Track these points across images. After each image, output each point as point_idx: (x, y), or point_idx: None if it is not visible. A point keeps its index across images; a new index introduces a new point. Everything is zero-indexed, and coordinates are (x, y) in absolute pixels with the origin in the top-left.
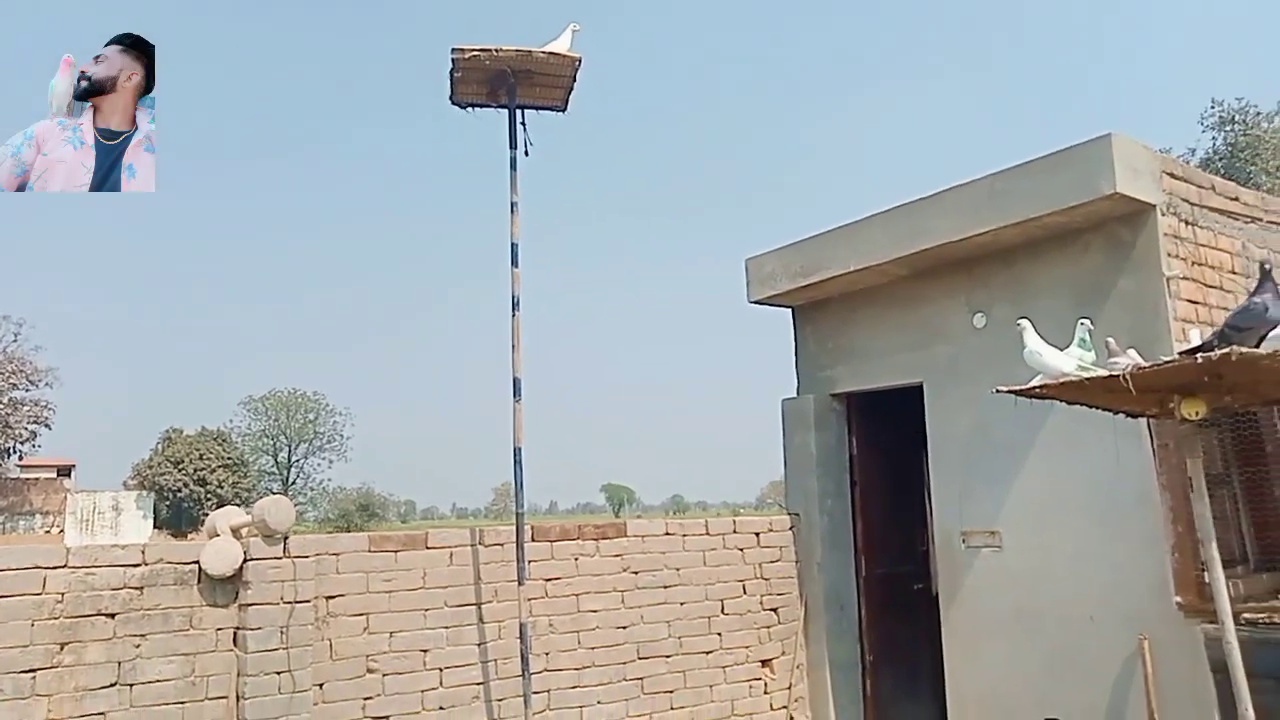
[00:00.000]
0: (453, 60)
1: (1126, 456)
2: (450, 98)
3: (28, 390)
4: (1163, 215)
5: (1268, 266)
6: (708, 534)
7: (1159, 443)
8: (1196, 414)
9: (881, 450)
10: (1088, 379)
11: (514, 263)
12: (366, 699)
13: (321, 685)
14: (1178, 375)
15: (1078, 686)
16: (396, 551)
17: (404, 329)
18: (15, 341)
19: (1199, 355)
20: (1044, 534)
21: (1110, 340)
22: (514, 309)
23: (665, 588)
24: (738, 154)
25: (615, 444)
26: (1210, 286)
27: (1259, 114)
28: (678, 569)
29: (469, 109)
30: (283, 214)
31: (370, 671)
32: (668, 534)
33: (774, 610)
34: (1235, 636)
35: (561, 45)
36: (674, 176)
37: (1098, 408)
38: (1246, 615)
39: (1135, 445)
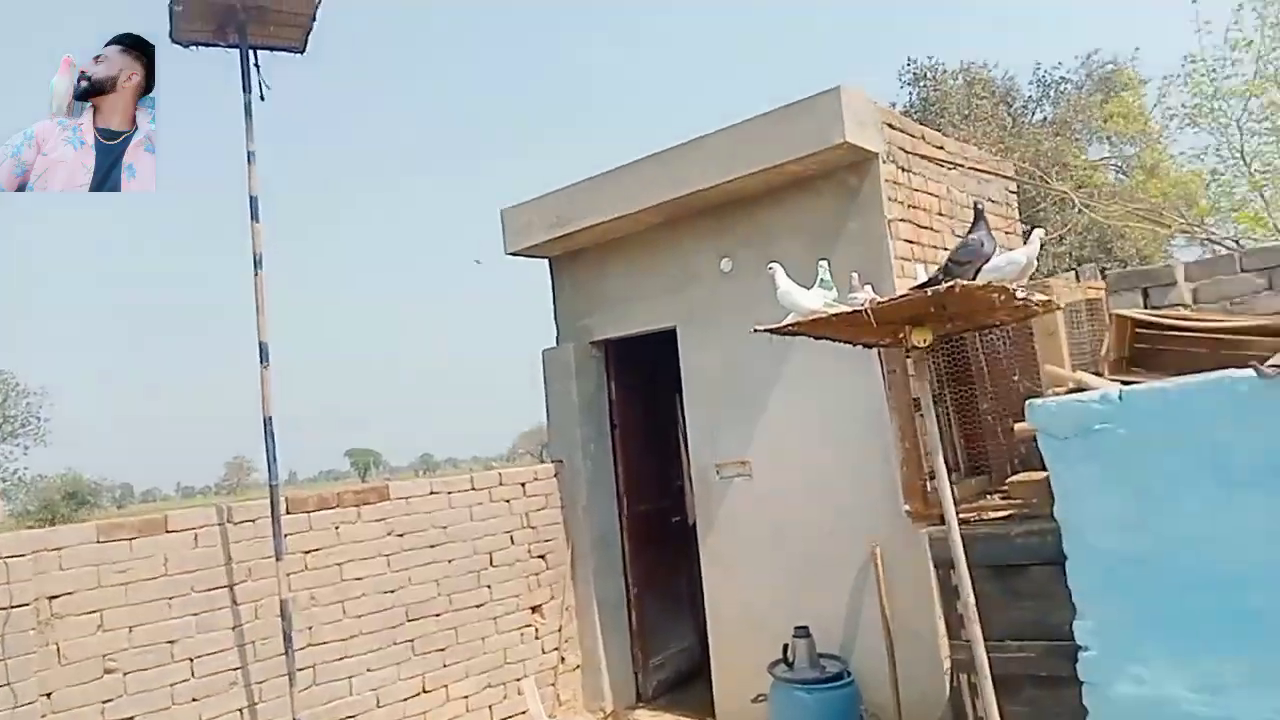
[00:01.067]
0: None
1: (859, 384)
2: (170, 35)
3: None
4: (884, 163)
5: (980, 207)
6: (473, 489)
7: (888, 369)
8: (924, 341)
9: (640, 394)
10: (834, 314)
11: (254, 217)
12: (105, 702)
13: (50, 695)
14: (911, 308)
15: (822, 595)
16: (131, 539)
17: (119, 300)
18: None
19: (930, 289)
20: (790, 460)
21: (855, 275)
22: (256, 268)
23: (432, 547)
24: (499, 103)
25: (358, 409)
26: (922, 227)
27: (945, 71)
28: (444, 527)
29: (192, 48)
30: None
31: (109, 672)
32: (432, 493)
33: (542, 557)
34: (959, 535)
35: None
36: (431, 129)
37: (839, 341)
38: (961, 516)
39: (866, 374)
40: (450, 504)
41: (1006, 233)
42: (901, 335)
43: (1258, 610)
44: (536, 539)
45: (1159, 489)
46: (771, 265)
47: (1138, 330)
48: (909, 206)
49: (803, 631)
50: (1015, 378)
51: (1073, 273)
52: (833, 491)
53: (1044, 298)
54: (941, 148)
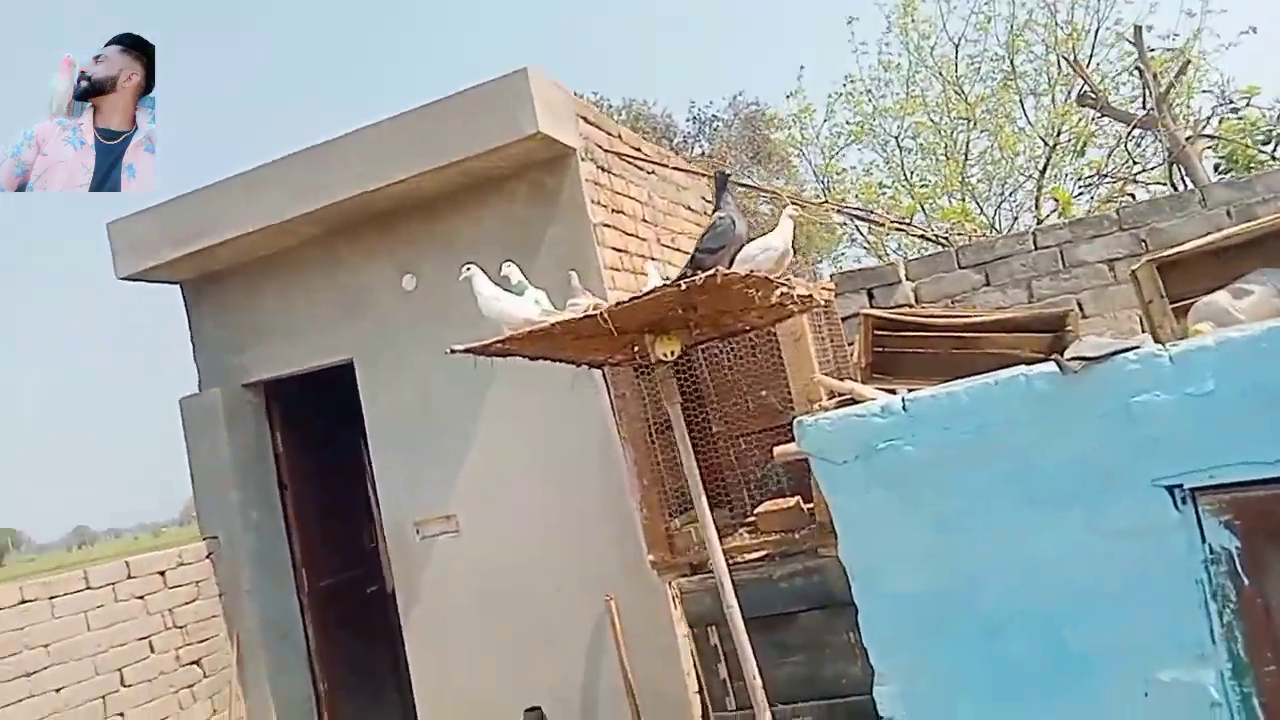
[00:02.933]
0: None
1: (583, 413)
2: None
3: None
4: (582, 160)
5: (726, 174)
6: (89, 587)
7: (616, 393)
8: (671, 354)
9: (314, 443)
10: (558, 324)
11: None
12: None
13: None
14: (657, 309)
15: (554, 663)
16: None
17: None
18: None
19: (683, 282)
20: (504, 509)
21: (573, 274)
22: None
23: (29, 676)
24: None
25: None
26: (628, 234)
27: (610, 107)
28: (47, 645)
29: None
30: None
31: None
32: (24, 602)
33: (196, 663)
34: (728, 583)
35: None
36: None
37: (561, 361)
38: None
39: (590, 399)
40: (54, 612)
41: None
42: (639, 348)
43: (1081, 649)
44: (187, 641)
45: (959, 514)
46: (468, 267)
47: (876, 332)
48: (613, 211)
49: (535, 714)
50: (763, 393)
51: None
52: (559, 542)
53: (805, 292)
54: (639, 149)
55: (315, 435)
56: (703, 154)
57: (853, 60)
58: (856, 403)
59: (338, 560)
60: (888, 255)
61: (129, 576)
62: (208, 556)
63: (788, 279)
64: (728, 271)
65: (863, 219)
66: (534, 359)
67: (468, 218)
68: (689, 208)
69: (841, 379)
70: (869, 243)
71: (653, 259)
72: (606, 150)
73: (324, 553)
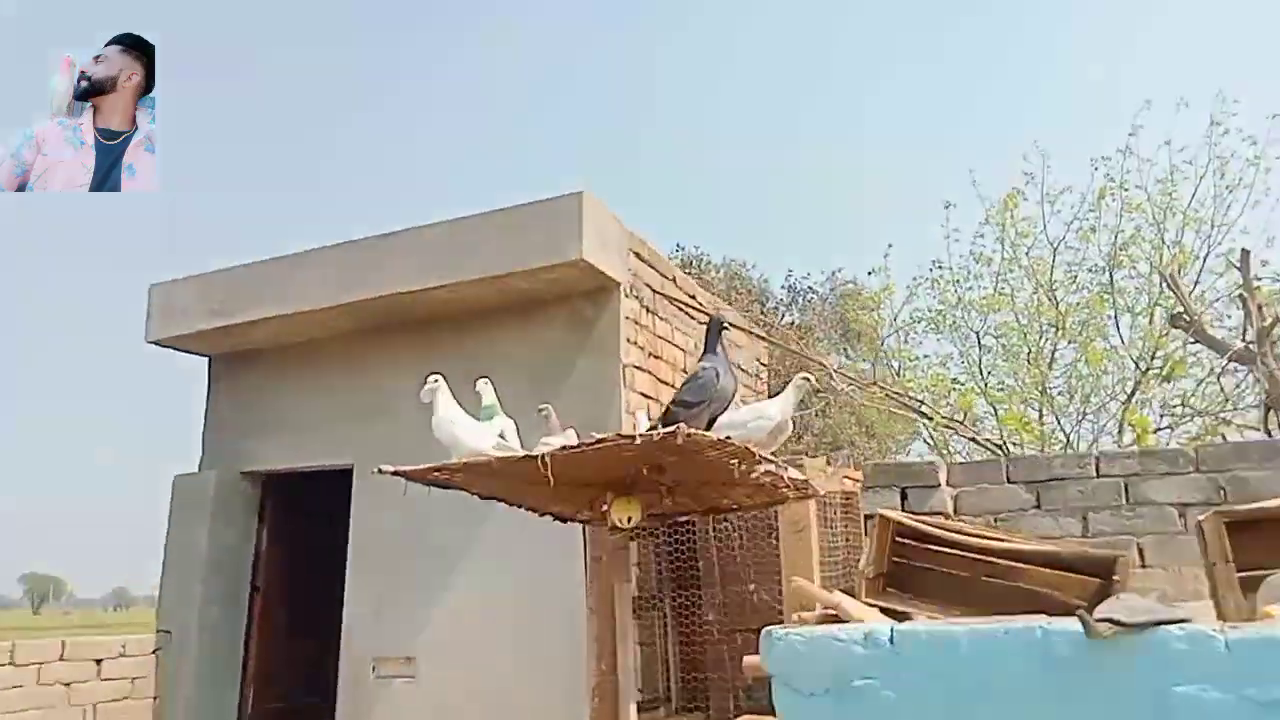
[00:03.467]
0: None
1: (555, 570)
2: None
3: None
4: (626, 296)
5: (723, 322)
6: (13, 663)
7: (592, 555)
8: (628, 520)
9: (303, 549)
10: (500, 460)
11: None
12: None
13: None
14: (611, 463)
15: None
16: None
17: None
18: None
19: (637, 436)
20: (464, 660)
21: (548, 409)
22: None
23: None
24: None
25: (40, 520)
26: (663, 382)
27: (709, 263)
28: None
29: None
30: None
31: None
32: None
33: None
34: None
35: None
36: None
37: (516, 505)
38: None
39: (569, 557)
40: None
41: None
42: (604, 508)
43: None
44: None
45: None
46: (434, 377)
47: (898, 540)
48: (650, 355)
49: None
50: (751, 586)
51: (825, 458)
52: (519, 710)
53: (800, 477)
54: (694, 296)
55: (303, 540)
56: (792, 323)
57: (943, 246)
58: (841, 621)
59: (296, 682)
60: (950, 456)
61: (60, 658)
62: (154, 651)
63: (783, 456)
64: (692, 432)
65: (905, 405)
66: (485, 498)
67: (500, 336)
68: (740, 367)
69: (849, 587)
70: (932, 439)
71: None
72: (656, 291)
73: (282, 670)
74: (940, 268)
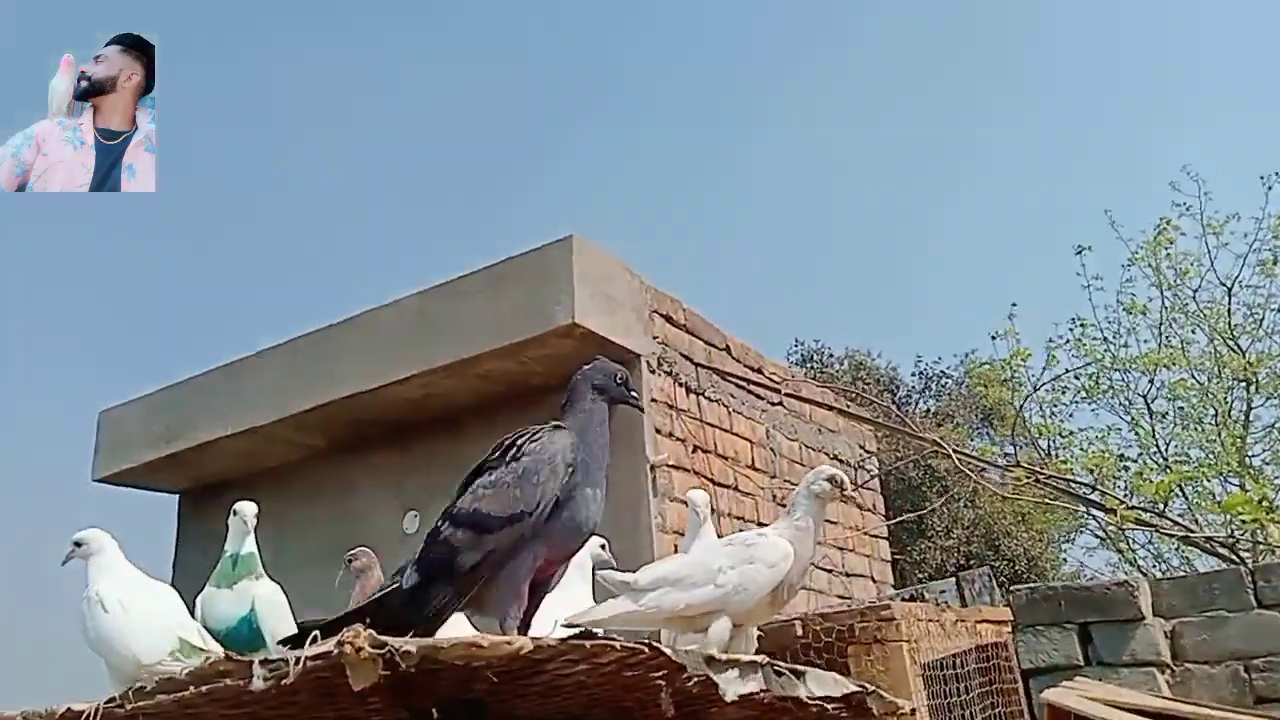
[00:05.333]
0: None
1: None
2: None
3: None
4: (651, 372)
5: (616, 373)
6: None
7: None
8: None
9: None
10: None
11: None
12: None
13: None
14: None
15: None
16: None
17: None
18: None
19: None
20: None
21: (359, 553)
22: None
23: None
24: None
25: None
26: (721, 485)
27: (831, 355)
28: None
29: None
30: None
31: None
32: None
33: None
34: None
35: None
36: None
37: None
38: None
39: None
40: None
41: (861, 511)
42: None
43: None
44: None
45: None
46: (82, 535)
47: None
48: (697, 449)
49: None
50: None
51: (954, 579)
52: None
53: (844, 689)
54: (760, 369)
55: None
56: (928, 412)
57: (1082, 298)
58: None
59: None
60: (1132, 551)
61: None
62: None
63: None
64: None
65: (1076, 497)
66: None
67: (494, 437)
68: (836, 456)
69: None
70: (1104, 532)
71: (759, 525)
72: (700, 365)
73: None
74: (1082, 325)
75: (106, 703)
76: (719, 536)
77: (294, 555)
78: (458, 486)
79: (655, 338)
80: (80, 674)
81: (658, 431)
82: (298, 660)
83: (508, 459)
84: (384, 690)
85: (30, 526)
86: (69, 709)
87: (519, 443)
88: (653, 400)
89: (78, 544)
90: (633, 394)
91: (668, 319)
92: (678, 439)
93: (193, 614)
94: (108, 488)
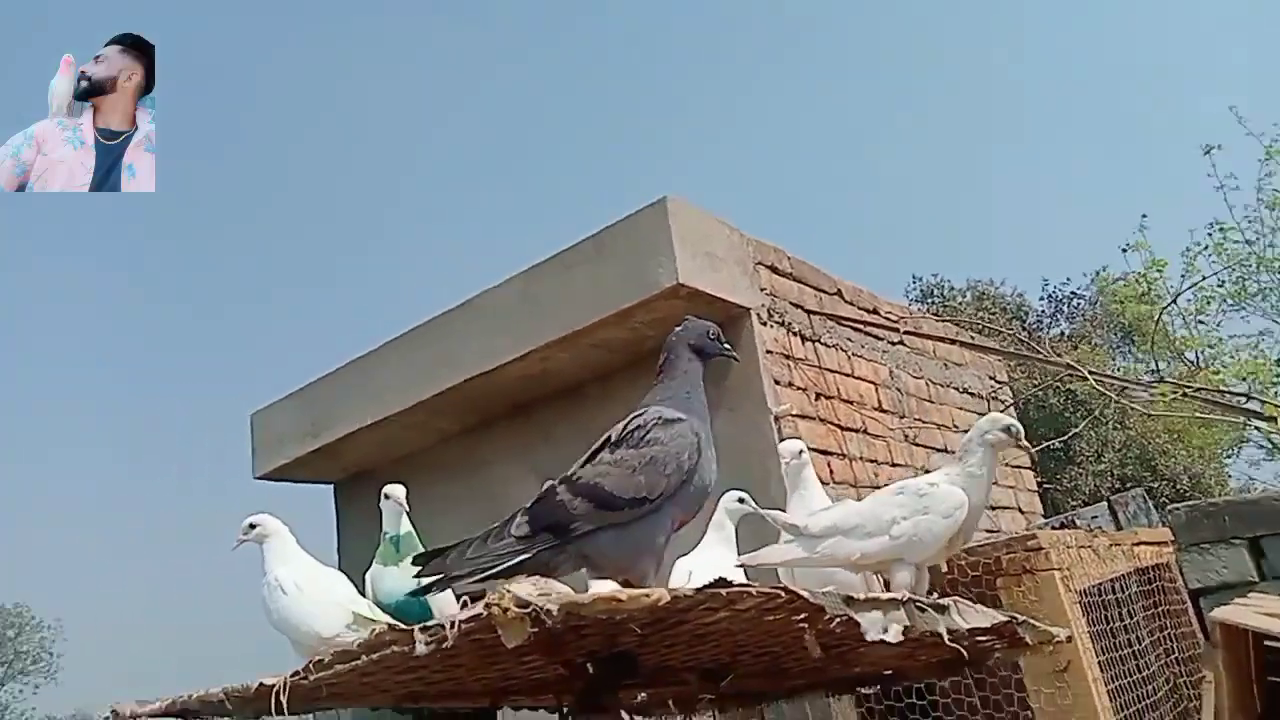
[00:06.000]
0: None
1: None
2: None
3: None
4: (763, 324)
5: (708, 330)
6: None
7: None
8: None
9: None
10: (369, 649)
11: None
12: None
13: None
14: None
15: None
16: None
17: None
18: None
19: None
20: None
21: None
22: None
23: None
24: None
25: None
26: (848, 429)
27: (953, 289)
28: None
29: None
30: None
31: None
32: None
33: None
34: None
35: None
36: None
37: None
38: None
39: None
40: None
41: (1009, 466)
42: None
43: None
44: None
45: None
46: (252, 520)
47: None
48: (820, 396)
49: None
50: None
51: (1106, 503)
52: None
53: (990, 620)
54: (875, 310)
55: None
56: (1062, 335)
57: (1215, 200)
58: None
59: None
60: None
61: None
62: None
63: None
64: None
65: (1231, 408)
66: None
67: (616, 404)
68: (965, 390)
69: None
70: (1269, 442)
71: (897, 466)
72: (812, 312)
73: None
74: (1221, 228)
75: (292, 675)
76: (854, 483)
77: (443, 533)
78: (585, 454)
79: (763, 289)
80: (259, 651)
81: (776, 383)
82: (453, 624)
83: (637, 441)
84: (536, 646)
85: (199, 523)
86: (261, 684)
87: (649, 427)
88: (768, 352)
89: (251, 526)
90: (726, 345)
91: (773, 269)
92: (798, 388)
93: (362, 592)
94: (268, 484)
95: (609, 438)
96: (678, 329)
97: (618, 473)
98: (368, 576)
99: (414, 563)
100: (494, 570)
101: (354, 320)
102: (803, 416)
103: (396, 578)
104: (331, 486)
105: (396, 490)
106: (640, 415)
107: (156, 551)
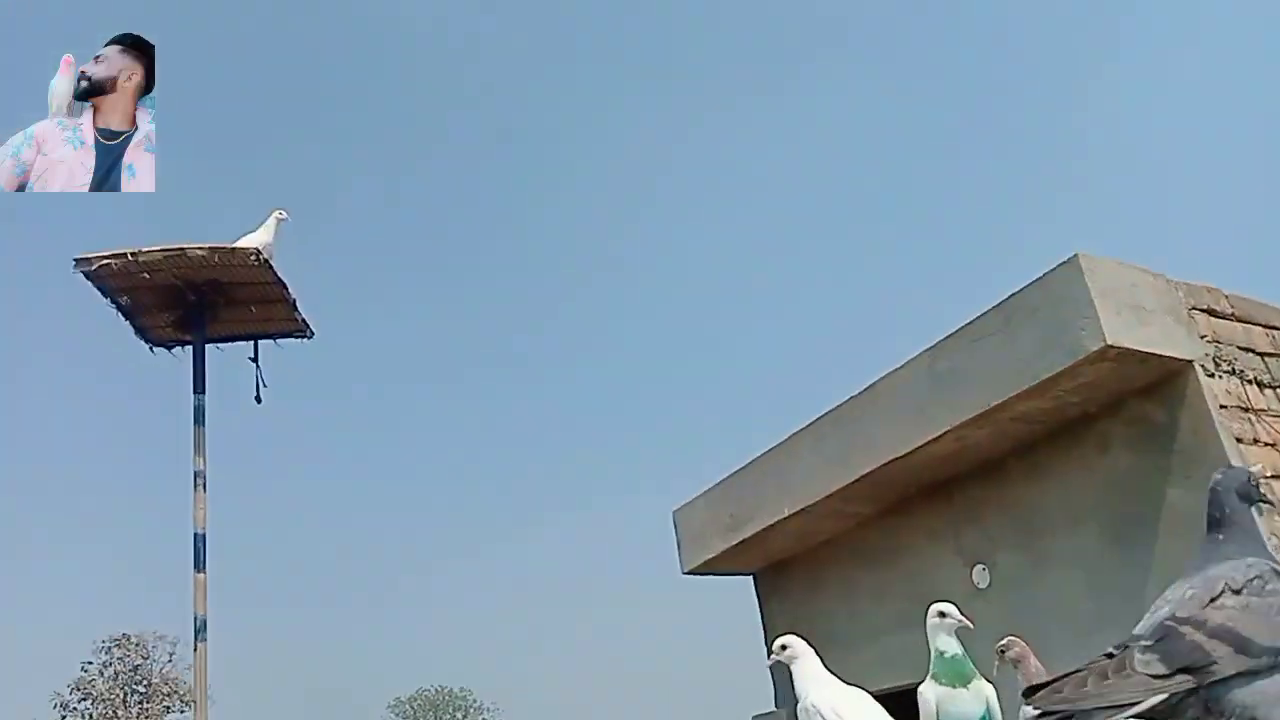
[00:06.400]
0: (85, 275)
1: None
2: (136, 333)
3: (182, 712)
4: (1210, 376)
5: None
6: None
7: None
8: None
9: None
10: None
11: (197, 564)
12: None
13: None
14: None
15: None
16: None
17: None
18: (170, 662)
19: None
20: None
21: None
22: (197, 637)
23: None
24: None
25: None
26: None
27: None
28: None
29: (160, 349)
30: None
31: None
32: None
33: None
34: None
35: (257, 238)
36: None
37: None
38: None
39: None
40: None
41: None
42: None
43: None
44: None
45: None
46: (782, 641)
47: None
48: None
49: None
50: None
51: None
52: None
53: None
54: None
55: None
56: None
57: None
58: None
59: None
60: None
61: None
62: None
63: None
64: None
65: None
66: None
67: (1045, 480)
68: None
69: None
70: None
71: None
72: (1264, 354)
73: None
74: None
75: None
76: None
77: (869, 622)
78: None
79: (1203, 337)
80: None
81: (1239, 441)
82: None
83: (1259, 590)
84: None
85: (630, 621)
86: None
87: (1268, 578)
88: (1221, 407)
89: (783, 647)
90: (1263, 493)
91: (1210, 312)
92: (1265, 444)
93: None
94: (693, 578)
95: (1226, 585)
96: (1218, 477)
97: (1252, 619)
98: (930, 695)
99: (1024, 695)
100: (1127, 708)
101: (755, 405)
102: (1276, 477)
103: (968, 701)
104: (751, 577)
105: (950, 609)
106: (1252, 565)
107: (586, 641)
